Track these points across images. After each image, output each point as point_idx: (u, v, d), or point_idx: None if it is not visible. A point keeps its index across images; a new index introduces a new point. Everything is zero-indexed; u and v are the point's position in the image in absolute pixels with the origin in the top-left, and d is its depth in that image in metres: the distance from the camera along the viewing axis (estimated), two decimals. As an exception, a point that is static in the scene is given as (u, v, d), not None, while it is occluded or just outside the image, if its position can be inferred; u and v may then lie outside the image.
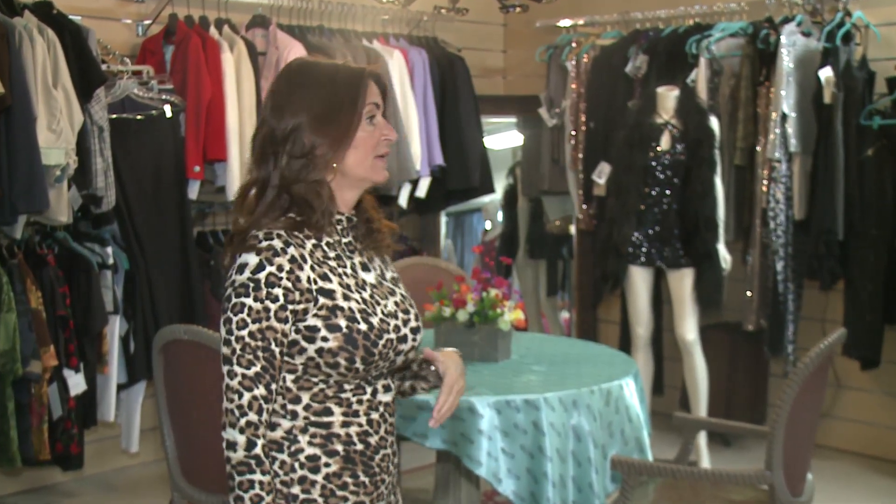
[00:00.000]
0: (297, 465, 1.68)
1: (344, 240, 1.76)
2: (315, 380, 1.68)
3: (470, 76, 5.08)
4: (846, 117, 4.15)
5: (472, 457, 2.67)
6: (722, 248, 4.24)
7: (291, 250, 1.65)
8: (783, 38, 4.21)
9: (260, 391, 1.62)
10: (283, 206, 1.69)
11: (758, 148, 4.34)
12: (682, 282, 4.26)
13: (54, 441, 3.76)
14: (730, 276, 4.33)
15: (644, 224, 4.25)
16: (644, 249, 4.27)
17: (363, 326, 1.67)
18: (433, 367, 1.87)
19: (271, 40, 4.37)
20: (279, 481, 1.67)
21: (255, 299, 1.61)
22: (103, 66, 3.89)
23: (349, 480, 1.71)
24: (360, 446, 1.71)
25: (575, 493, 2.76)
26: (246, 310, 1.61)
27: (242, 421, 1.61)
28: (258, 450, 1.61)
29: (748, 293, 4.43)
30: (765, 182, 4.31)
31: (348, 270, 1.73)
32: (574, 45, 5.04)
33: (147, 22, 4.32)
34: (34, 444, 3.69)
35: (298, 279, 1.64)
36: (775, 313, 4.33)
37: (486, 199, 5.79)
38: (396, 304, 1.78)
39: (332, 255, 1.72)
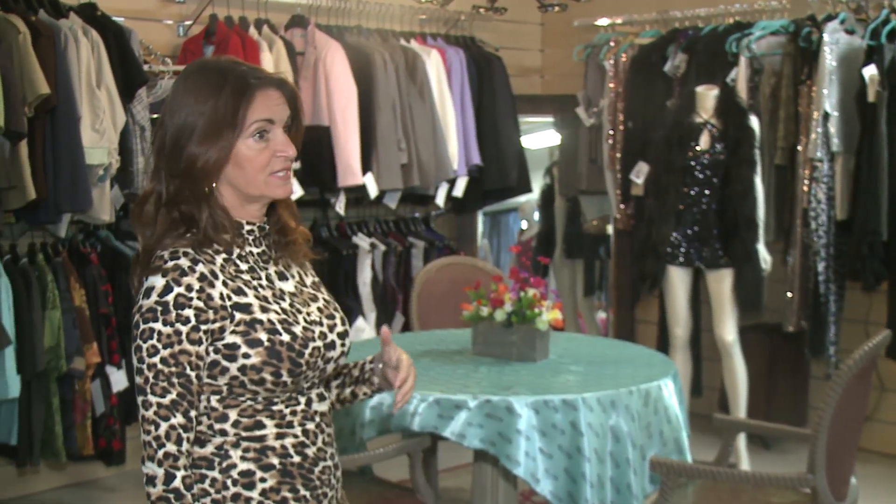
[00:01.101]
0: (229, 481, 1.59)
1: (256, 250, 1.66)
2: (242, 398, 1.60)
3: (507, 75, 5.08)
4: (891, 116, 4.08)
5: (511, 456, 2.66)
6: (762, 249, 4.20)
7: (200, 267, 1.56)
8: (826, 36, 4.16)
9: (177, 419, 1.53)
10: (182, 222, 1.59)
11: (799, 147, 4.29)
12: (722, 282, 4.22)
13: (97, 437, 3.82)
14: (770, 277, 4.29)
15: (683, 224, 4.22)
16: (683, 249, 4.23)
17: (286, 337, 1.59)
18: (374, 368, 1.78)
19: (310, 40, 4.39)
20: (210, 500, 1.58)
21: (165, 323, 1.53)
22: (145, 67, 3.95)
23: (288, 495, 1.62)
24: (297, 458, 1.63)
25: (613, 494, 2.74)
26: (156, 335, 1.53)
27: (160, 453, 1.52)
28: (177, 482, 1.53)
29: (788, 294, 4.38)
30: (806, 182, 4.26)
31: (264, 282, 1.64)
32: (612, 44, 5.01)
33: (188, 22, 4.36)
34: (78, 440, 3.76)
35: (210, 297, 1.56)
36: (816, 315, 4.28)
37: (522, 198, 5.78)
38: (320, 309, 1.70)
39: (244, 267, 1.63)
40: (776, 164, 4.39)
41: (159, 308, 1.54)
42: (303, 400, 1.66)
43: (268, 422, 1.61)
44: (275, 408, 1.62)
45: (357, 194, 4.59)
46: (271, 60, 4.19)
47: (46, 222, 3.72)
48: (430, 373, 2.97)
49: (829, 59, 4.15)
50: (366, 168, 4.42)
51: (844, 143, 4.18)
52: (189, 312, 1.54)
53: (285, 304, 1.65)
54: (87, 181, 3.60)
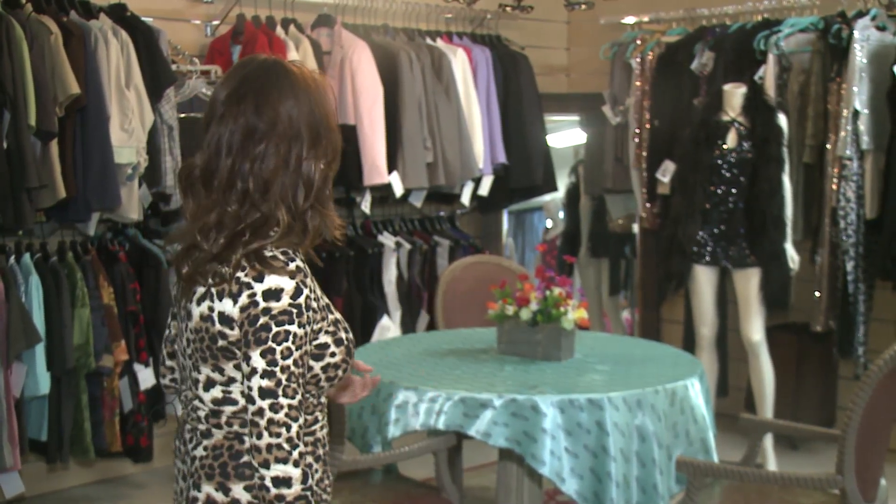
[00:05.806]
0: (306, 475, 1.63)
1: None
2: (307, 395, 1.64)
3: (533, 74, 5.07)
4: (922, 114, 4.04)
5: (536, 455, 2.66)
6: (789, 248, 4.16)
7: (306, 268, 1.59)
8: (856, 33, 4.12)
9: (302, 419, 1.53)
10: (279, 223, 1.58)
11: (828, 145, 4.25)
12: (749, 282, 4.19)
13: (125, 434, 3.85)
14: (798, 276, 4.25)
15: (709, 223, 4.19)
16: (709, 248, 4.21)
17: (351, 334, 1.67)
18: None
19: (336, 39, 4.41)
20: None
21: (300, 325, 1.53)
22: (173, 67, 3.98)
23: (327, 482, 1.68)
24: (327, 447, 1.70)
25: (639, 494, 2.73)
26: (291, 337, 1.52)
27: (295, 454, 1.51)
28: (311, 480, 1.54)
29: (816, 294, 4.34)
30: (835, 180, 4.21)
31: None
32: (639, 42, 4.99)
33: (215, 22, 4.39)
34: (106, 436, 3.79)
35: (318, 298, 1.59)
36: (845, 314, 4.24)
37: (547, 197, 5.77)
38: None
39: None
40: (804, 163, 4.35)
41: (294, 310, 1.52)
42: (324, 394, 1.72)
43: (319, 415, 1.68)
44: (321, 401, 1.68)
45: (382, 193, 4.60)
46: (298, 60, 4.22)
47: (76, 221, 3.76)
48: (455, 372, 2.97)
49: (859, 56, 4.11)
50: (391, 167, 4.43)
51: (875, 141, 4.13)
52: (312, 314, 1.56)
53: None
54: (115, 180, 3.64)
